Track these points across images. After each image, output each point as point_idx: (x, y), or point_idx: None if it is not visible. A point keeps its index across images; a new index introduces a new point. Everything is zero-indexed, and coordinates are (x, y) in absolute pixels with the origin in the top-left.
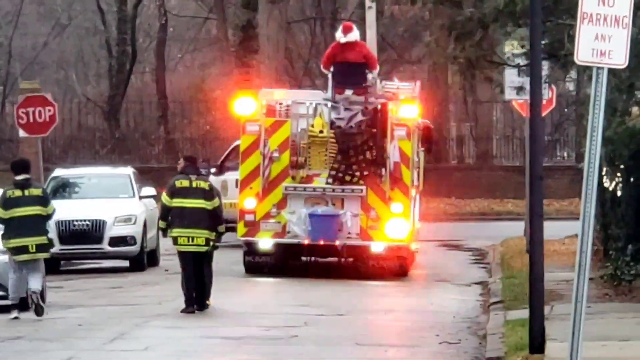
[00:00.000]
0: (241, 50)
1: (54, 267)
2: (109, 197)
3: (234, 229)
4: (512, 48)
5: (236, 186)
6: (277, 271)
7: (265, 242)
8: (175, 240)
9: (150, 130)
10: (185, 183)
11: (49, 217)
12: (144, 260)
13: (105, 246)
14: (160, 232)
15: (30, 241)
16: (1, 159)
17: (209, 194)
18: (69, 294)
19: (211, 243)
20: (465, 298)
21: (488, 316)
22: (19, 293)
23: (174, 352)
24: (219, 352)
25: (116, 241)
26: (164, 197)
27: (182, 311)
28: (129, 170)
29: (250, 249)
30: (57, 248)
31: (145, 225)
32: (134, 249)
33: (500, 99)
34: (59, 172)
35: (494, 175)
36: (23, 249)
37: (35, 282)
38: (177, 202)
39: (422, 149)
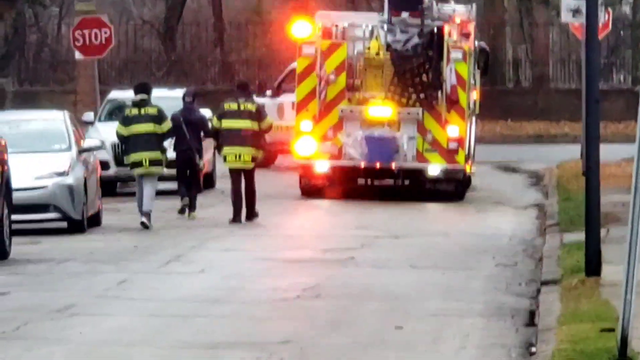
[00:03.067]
0: None
1: (110, 189)
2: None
3: (290, 151)
4: None
5: (292, 109)
6: (333, 194)
7: (321, 165)
8: (224, 158)
9: (206, 52)
10: (234, 106)
11: (164, 134)
12: (200, 182)
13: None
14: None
15: (145, 156)
16: (57, 81)
17: (256, 115)
18: (124, 216)
19: (257, 159)
20: (521, 220)
21: (544, 239)
22: (147, 207)
23: (230, 274)
24: (275, 275)
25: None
26: (214, 120)
27: (230, 221)
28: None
29: (306, 172)
30: (113, 170)
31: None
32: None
33: (557, 21)
34: (115, 94)
35: (550, 98)
36: (138, 164)
37: (147, 203)
38: (226, 123)
39: (479, 71)
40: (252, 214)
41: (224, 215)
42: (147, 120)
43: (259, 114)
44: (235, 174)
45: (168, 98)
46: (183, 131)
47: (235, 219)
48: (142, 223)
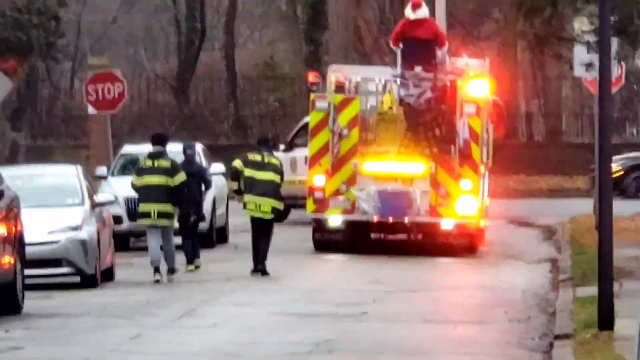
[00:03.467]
0: (310, 27)
1: (123, 244)
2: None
3: (303, 206)
4: (581, 24)
5: (305, 163)
6: (346, 248)
7: (334, 219)
8: (244, 205)
9: (219, 107)
10: (258, 157)
11: (176, 187)
12: (213, 237)
13: (175, 223)
14: (235, 194)
15: (154, 207)
16: (70, 136)
17: (279, 169)
18: (138, 271)
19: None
20: (534, 275)
21: (557, 293)
22: (155, 258)
23: (242, 328)
24: (288, 329)
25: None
26: (237, 162)
27: (252, 272)
28: (198, 147)
29: (319, 226)
30: (126, 225)
31: (214, 202)
32: (203, 225)
33: (569, 75)
34: (127, 148)
35: (563, 152)
36: (147, 214)
37: (170, 262)
38: (249, 173)
39: (491, 125)
40: (263, 267)
41: (237, 270)
42: (159, 172)
43: (281, 168)
44: (254, 222)
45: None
46: None
47: (256, 268)
48: (169, 279)
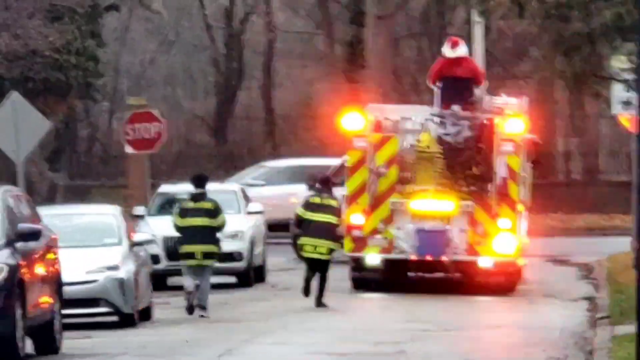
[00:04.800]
0: (348, 66)
1: (160, 283)
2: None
3: (341, 245)
4: (619, 63)
5: (343, 202)
6: (384, 287)
7: (372, 258)
8: (301, 247)
9: (257, 146)
10: (317, 200)
11: (219, 228)
12: (251, 276)
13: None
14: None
15: (199, 248)
16: (108, 175)
17: (337, 210)
18: (175, 310)
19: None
20: (572, 313)
21: (595, 331)
22: (190, 288)
23: None
24: None
25: (223, 257)
26: (299, 210)
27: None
28: (235, 187)
29: (357, 265)
30: (163, 264)
31: (252, 242)
32: (241, 264)
33: (608, 113)
34: (165, 188)
35: (601, 191)
36: (191, 255)
37: (202, 298)
38: (308, 215)
39: (529, 164)
40: (320, 302)
41: (275, 309)
42: (202, 214)
43: (339, 210)
44: (311, 263)
45: (218, 192)
46: None
47: (306, 294)
48: (201, 316)
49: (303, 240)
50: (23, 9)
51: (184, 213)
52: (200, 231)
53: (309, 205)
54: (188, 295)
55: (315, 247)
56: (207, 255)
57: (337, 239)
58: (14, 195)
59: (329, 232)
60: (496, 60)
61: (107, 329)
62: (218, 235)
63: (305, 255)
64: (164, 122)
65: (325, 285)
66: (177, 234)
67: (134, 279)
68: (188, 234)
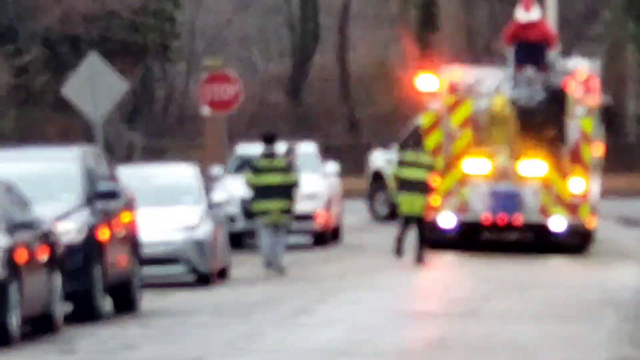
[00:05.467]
0: (422, 28)
1: (237, 243)
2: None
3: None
4: None
5: None
6: (458, 247)
7: (447, 219)
8: (399, 205)
9: (332, 108)
10: (413, 156)
11: (293, 184)
12: (327, 236)
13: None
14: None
15: (274, 205)
16: (185, 136)
17: (430, 166)
18: (252, 269)
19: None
20: None
21: None
22: (268, 258)
23: (355, 326)
24: (400, 327)
25: (300, 217)
26: (393, 168)
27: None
28: (312, 147)
29: (432, 225)
30: (240, 224)
31: (329, 202)
32: (317, 225)
33: None
34: (242, 148)
35: None
36: (267, 212)
37: (280, 256)
38: (403, 173)
39: (603, 126)
40: (421, 258)
41: (350, 269)
42: (277, 171)
43: (432, 165)
44: (407, 219)
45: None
46: None
47: (398, 254)
48: (280, 270)
49: (401, 197)
50: None
51: (258, 171)
52: (275, 188)
53: (403, 163)
54: (265, 257)
55: (413, 203)
56: (283, 212)
57: (431, 194)
58: (93, 155)
59: (425, 188)
60: (568, 22)
61: (185, 288)
62: (292, 192)
63: (404, 213)
64: (240, 83)
65: (424, 244)
66: (251, 193)
67: (212, 238)
68: (263, 192)
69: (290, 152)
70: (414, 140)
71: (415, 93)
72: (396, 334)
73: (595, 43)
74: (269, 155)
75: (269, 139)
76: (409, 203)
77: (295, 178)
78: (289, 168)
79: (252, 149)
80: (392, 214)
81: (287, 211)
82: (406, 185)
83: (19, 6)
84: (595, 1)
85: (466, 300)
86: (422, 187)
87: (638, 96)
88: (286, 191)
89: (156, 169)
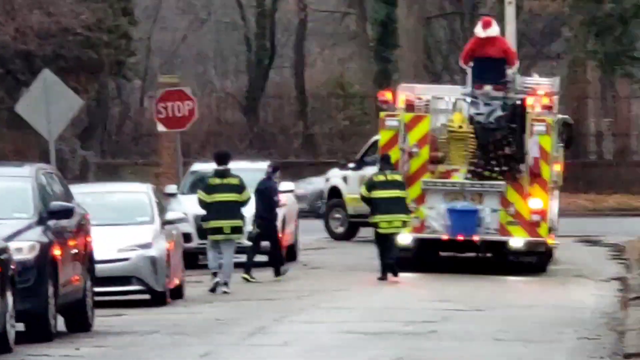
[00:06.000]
0: (380, 46)
1: (192, 261)
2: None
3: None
4: None
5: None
6: (416, 266)
7: (404, 237)
8: (376, 225)
9: (288, 125)
10: (382, 177)
11: (244, 203)
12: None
13: (244, 241)
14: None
15: (226, 224)
16: (140, 154)
17: (403, 184)
18: (207, 288)
19: (407, 224)
20: (603, 293)
21: (626, 312)
22: (214, 266)
23: (313, 347)
24: (357, 347)
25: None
26: (362, 190)
27: (378, 279)
28: (266, 165)
29: None
30: (195, 242)
31: (284, 221)
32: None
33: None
34: (197, 166)
35: (632, 171)
36: (219, 230)
37: (226, 273)
38: (377, 194)
39: (561, 144)
40: (395, 272)
41: (307, 288)
42: (229, 189)
43: (404, 183)
44: (383, 238)
45: (250, 170)
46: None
47: (382, 277)
48: (224, 292)
49: (377, 218)
50: None
51: (210, 189)
52: (226, 206)
53: (374, 185)
54: (213, 276)
55: (391, 222)
56: (234, 230)
57: (408, 211)
58: (46, 173)
59: (401, 206)
60: (528, 40)
61: (139, 307)
62: (243, 211)
63: (382, 232)
64: (196, 100)
65: (395, 255)
66: (243, 207)
67: (166, 257)
68: (215, 210)
69: (276, 169)
70: (383, 161)
71: (373, 110)
72: (353, 355)
73: (555, 61)
74: (221, 173)
75: (222, 158)
76: (387, 222)
77: (247, 196)
78: (241, 186)
79: (207, 166)
80: (349, 232)
81: (238, 229)
82: (382, 205)
83: None
84: (556, 19)
85: (425, 320)
86: (399, 205)
87: (598, 114)
88: (237, 209)
89: (110, 187)
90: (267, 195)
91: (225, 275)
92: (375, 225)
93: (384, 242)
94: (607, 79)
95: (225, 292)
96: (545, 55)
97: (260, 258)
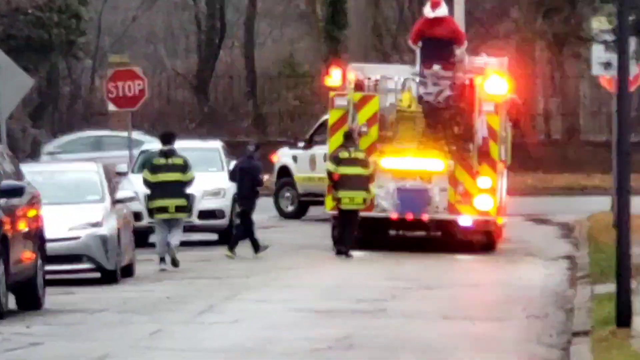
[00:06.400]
0: (329, 25)
1: (142, 240)
2: (198, 171)
3: (322, 203)
4: (599, 24)
5: (325, 160)
6: (365, 245)
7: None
8: (339, 201)
9: (238, 104)
10: (346, 154)
11: (188, 182)
12: (232, 233)
13: (194, 219)
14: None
15: (171, 202)
16: None
17: (366, 162)
18: (157, 266)
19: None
20: (551, 272)
21: (575, 290)
22: (163, 249)
23: (262, 325)
24: (307, 325)
25: (205, 215)
26: (329, 166)
27: (336, 253)
28: (217, 144)
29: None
30: (145, 221)
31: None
32: (222, 222)
33: (588, 74)
34: (147, 145)
35: (580, 150)
36: (164, 209)
37: (174, 239)
38: (341, 170)
39: (510, 123)
40: (348, 250)
41: (257, 267)
42: (173, 169)
43: (367, 161)
44: (345, 214)
45: (200, 149)
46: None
47: (338, 250)
48: (173, 262)
49: (340, 193)
50: None
51: (155, 169)
52: (171, 186)
53: (340, 161)
54: (161, 262)
55: (353, 198)
56: (179, 209)
57: (369, 189)
58: None
59: (363, 184)
60: (477, 20)
61: (90, 285)
62: (188, 190)
63: (343, 207)
64: (146, 79)
65: (354, 235)
66: (188, 186)
67: (117, 235)
68: (160, 189)
69: (257, 148)
70: (346, 138)
71: (322, 90)
72: (304, 333)
73: (504, 41)
74: (166, 153)
75: (167, 138)
76: (349, 198)
77: (191, 176)
78: (185, 166)
79: (158, 146)
80: (298, 211)
81: (183, 208)
82: (345, 181)
83: None
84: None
85: (374, 298)
86: (362, 183)
87: (546, 94)
88: (182, 189)
89: (61, 166)
90: (251, 174)
91: (173, 253)
92: (338, 200)
93: (344, 218)
94: (556, 59)
95: (163, 270)
96: (494, 36)
97: (210, 237)
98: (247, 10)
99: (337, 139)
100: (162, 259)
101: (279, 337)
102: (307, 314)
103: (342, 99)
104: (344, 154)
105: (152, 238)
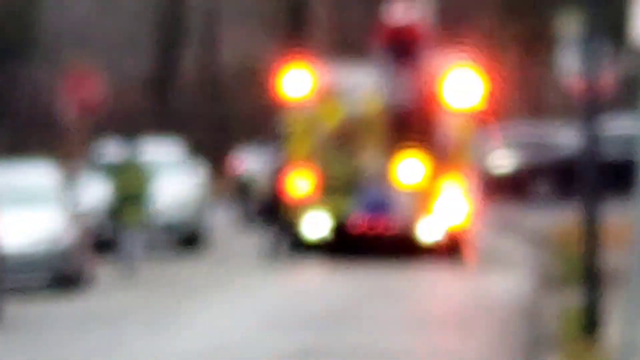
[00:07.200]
0: (293, 26)
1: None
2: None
3: None
4: (566, 27)
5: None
6: (328, 252)
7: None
8: None
9: (199, 106)
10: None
11: (149, 189)
12: (193, 238)
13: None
14: None
15: (132, 209)
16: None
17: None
18: (116, 274)
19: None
20: (520, 280)
21: (543, 299)
22: (126, 257)
23: (221, 333)
24: (267, 334)
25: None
26: None
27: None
28: (178, 146)
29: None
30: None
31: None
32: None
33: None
34: (106, 150)
35: None
36: (124, 216)
37: (135, 246)
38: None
39: (480, 129)
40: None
41: (217, 273)
42: (134, 174)
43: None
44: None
45: (161, 153)
46: None
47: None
48: (132, 270)
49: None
50: None
51: (115, 174)
52: (132, 192)
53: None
54: (124, 266)
55: None
56: (138, 216)
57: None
58: None
59: None
60: (443, 22)
61: (48, 294)
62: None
63: None
64: (105, 83)
65: None
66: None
67: (76, 243)
68: (120, 196)
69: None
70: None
71: (284, 92)
72: (263, 341)
73: (470, 44)
74: (127, 158)
75: (129, 141)
76: None
77: (152, 182)
78: (147, 170)
79: (117, 150)
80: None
81: (144, 215)
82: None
83: None
84: (472, 1)
85: (337, 307)
86: None
87: (514, 98)
88: (145, 193)
89: (17, 169)
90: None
91: (133, 260)
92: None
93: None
94: (523, 61)
95: (127, 278)
96: (461, 38)
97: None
98: (208, 10)
99: (301, 142)
100: (124, 266)
101: (237, 345)
102: (267, 322)
103: (306, 102)
104: None
105: (113, 245)
